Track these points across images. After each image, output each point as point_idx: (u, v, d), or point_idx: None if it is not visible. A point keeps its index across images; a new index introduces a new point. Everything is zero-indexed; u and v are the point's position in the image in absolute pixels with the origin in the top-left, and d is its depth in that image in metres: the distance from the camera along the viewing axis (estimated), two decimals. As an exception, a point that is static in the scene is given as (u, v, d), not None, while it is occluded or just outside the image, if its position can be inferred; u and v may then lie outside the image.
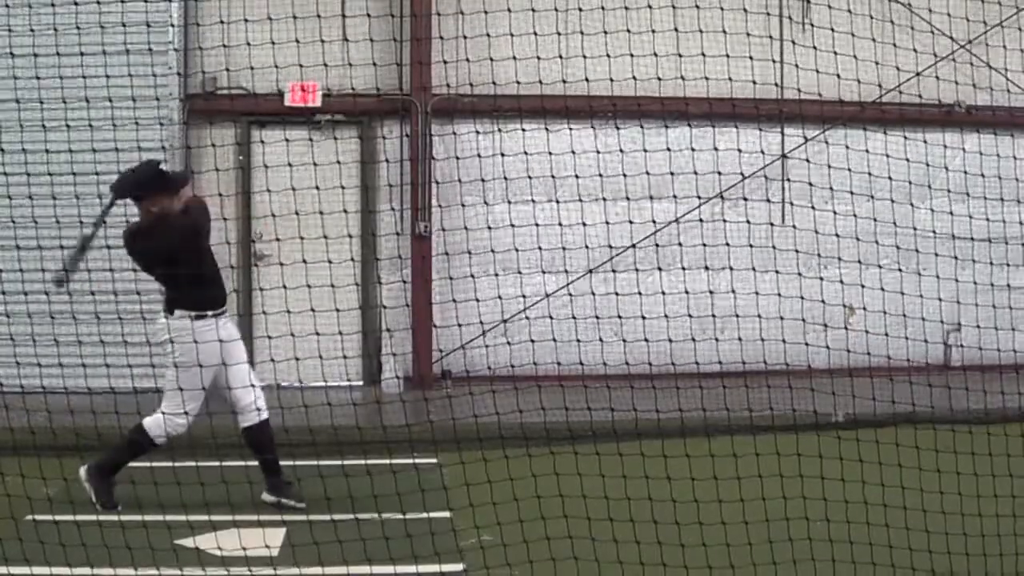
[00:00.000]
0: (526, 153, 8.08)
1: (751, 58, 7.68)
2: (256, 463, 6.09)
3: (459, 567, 4.86)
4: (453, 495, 5.39)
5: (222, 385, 5.90)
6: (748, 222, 8.54)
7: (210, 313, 5.86)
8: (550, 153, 8.70)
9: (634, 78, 7.54)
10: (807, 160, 9.15)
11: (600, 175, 8.53)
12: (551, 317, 9.36)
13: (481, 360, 9.28)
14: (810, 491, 5.03)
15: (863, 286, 8.24)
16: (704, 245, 7.81)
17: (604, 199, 9.06)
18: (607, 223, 9.11)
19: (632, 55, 7.18)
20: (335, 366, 7.43)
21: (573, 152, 9.06)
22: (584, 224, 7.75)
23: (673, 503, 4.86)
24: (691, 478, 5.01)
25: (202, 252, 5.89)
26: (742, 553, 4.64)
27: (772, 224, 8.60)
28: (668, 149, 7.89)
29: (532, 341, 8.98)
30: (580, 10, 8.41)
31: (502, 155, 7.69)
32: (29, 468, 5.41)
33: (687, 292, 7.42)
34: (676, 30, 6.82)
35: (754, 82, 7.84)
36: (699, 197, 9.53)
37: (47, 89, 6.95)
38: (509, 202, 8.69)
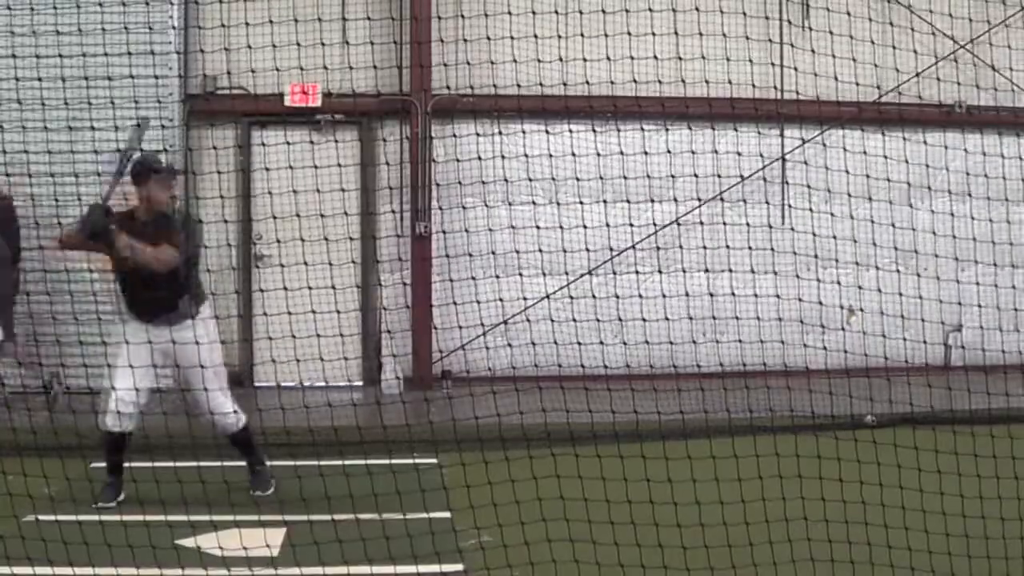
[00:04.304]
0: (526, 155, 8.10)
1: (751, 61, 7.71)
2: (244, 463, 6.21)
3: (459, 567, 4.87)
4: (453, 496, 5.40)
5: (198, 387, 5.89)
6: (748, 224, 8.55)
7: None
8: (550, 155, 8.73)
9: (634, 80, 7.55)
10: (805, 163, 9.17)
11: (601, 177, 8.55)
12: (552, 319, 9.38)
13: (481, 361, 9.29)
14: (810, 492, 5.03)
15: (860, 287, 8.26)
16: (704, 247, 7.83)
17: (604, 201, 9.08)
18: (607, 225, 9.12)
19: (632, 57, 7.19)
20: (336, 367, 7.44)
21: (574, 154, 9.08)
22: (584, 226, 7.77)
23: (674, 505, 4.86)
24: (692, 480, 5.02)
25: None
26: (743, 554, 4.65)
27: (771, 226, 8.61)
28: (668, 151, 7.91)
29: (533, 343, 9.00)
30: (580, 12, 8.41)
31: (503, 157, 7.71)
32: (31, 467, 5.42)
33: (687, 294, 7.43)
34: (676, 33, 6.83)
35: (754, 84, 7.86)
36: (699, 199, 9.55)
37: (49, 90, 6.97)
38: (509, 204, 8.71)
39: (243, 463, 6.27)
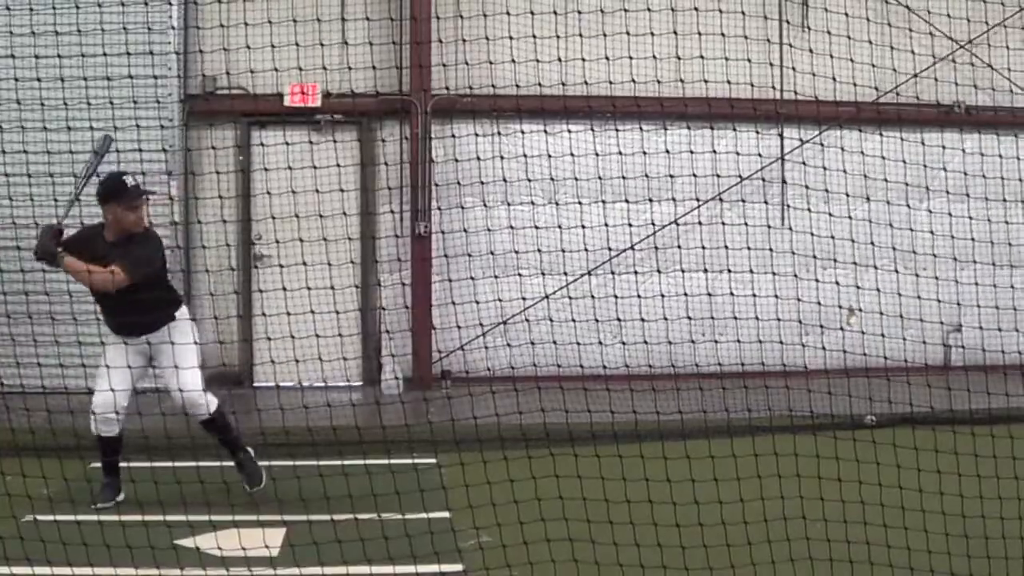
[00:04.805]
0: (525, 155, 8.09)
1: (749, 61, 7.70)
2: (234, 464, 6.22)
3: (458, 567, 4.87)
4: (452, 496, 5.40)
5: (173, 387, 5.87)
6: (746, 224, 8.56)
7: None
8: (549, 155, 8.74)
9: (633, 80, 7.56)
10: (803, 163, 9.17)
11: (599, 177, 8.56)
12: (550, 319, 9.39)
13: (480, 361, 9.30)
14: (808, 491, 5.04)
15: (859, 287, 8.26)
16: (703, 247, 7.83)
17: (603, 201, 9.09)
18: (606, 225, 9.15)
19: (631, 57, 7.20)
20: (335, 367, 7.44)
21: (572, 154, 9.10)
22: (583, 226, 7.79)
23: (673, 505, 4.86)
24: (691, 479, 5.02)
25: None
26: (742, 553, 4.65)
27: (770, 226, 8.62)
28: (667, 151, 7.91)
29: (532, 343, 9.02)
30: (579, 12, 8.43)
31: (501, 157, 7.72)
32: (30, 468, 5.42)
33: (686, 294, 7.43)
34: (675, 33, 6.84)
35: (752, 84, 7.87)
36: (698, 199, 9.55)
37: (48, 91, 6.98)
38: (508, 204, 8.70)
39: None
